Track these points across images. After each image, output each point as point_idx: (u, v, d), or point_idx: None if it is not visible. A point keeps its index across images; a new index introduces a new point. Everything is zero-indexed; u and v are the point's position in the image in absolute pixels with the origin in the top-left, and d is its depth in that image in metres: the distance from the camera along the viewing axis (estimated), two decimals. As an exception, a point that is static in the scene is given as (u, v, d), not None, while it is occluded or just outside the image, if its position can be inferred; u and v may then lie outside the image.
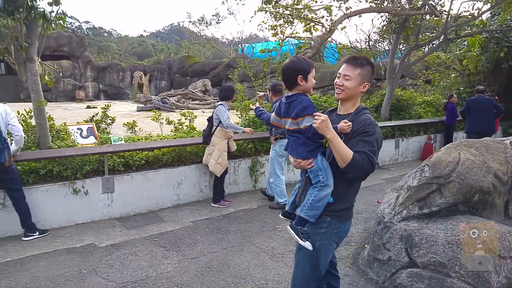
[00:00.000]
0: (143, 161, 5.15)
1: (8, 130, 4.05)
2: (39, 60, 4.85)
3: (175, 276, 3.41)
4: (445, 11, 7.91)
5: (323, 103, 7.27)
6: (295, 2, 7.00)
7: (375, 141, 1.99)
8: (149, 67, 30.15)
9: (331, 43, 20.21)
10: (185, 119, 7.15)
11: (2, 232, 4.23)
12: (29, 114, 5.20)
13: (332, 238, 2.13)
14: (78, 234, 4.38)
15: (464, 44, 10.96)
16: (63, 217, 4.58)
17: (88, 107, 18.36)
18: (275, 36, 7.39)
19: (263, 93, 5.53)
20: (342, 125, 2.02)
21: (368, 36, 19.17)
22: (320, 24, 7.09)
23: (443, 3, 7.96)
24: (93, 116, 6.25)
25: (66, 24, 5.25)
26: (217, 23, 42.35)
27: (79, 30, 44.21)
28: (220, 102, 5.16)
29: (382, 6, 7.70)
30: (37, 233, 4.23)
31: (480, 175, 3.21)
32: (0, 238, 4.20)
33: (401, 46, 11.51)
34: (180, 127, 6.60)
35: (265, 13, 7.17)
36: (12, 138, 4.20)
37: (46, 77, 4.97)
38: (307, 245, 2.07)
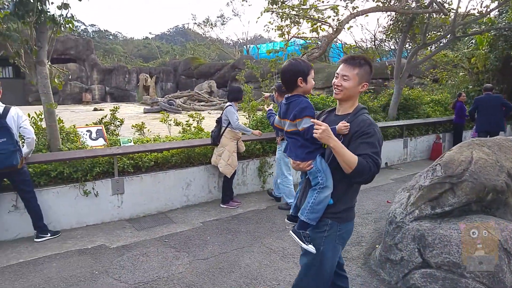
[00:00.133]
0: (152, 162, 5.18)
1: (20, 133, 4.09)
2: (49, 63, 4.90)
3: (186, 276, 3.42)
4: (453, 9, 7.86)
5: (331, 103, 7.25)
6: (302, 2, 6.99)
7: (377, 142, 1.97)
8: (155, 69, 30.30)
9: (337, 43, 20.14)
10: (193, 120, 7.17)
11: (15, 234, 4.27)
12: (40, 117, 5.25)
13: (336, 241, 2.11)
14: (88, 235, 4.41)
15: (472, 42, 10.88)
16: (74, 219, 4.62)
17: (95, 109, 18.48)
18: (282, 36, 7.38)
19: (268, 94, 5.53)
20: (340, 127, 2.01)
21: (374, 36, 19.09)
22: (327, 24, 7.07)
23: (451, 1, 7.86)
24: (102, 118, 6.29)
25: (74, 28, 5.29)
26: (222, 24, 42.46)
27: (85, 33, 44.57)
28: (229, 103, 5.17)
29: (389, 5, 7.66)
30: (49, 235, 4.26)
31: (493, 174, 3.17)
32: (13, 240, 4.24)
33: (407, 45, 11.45)
34: (188, 128, 6.61)
35: (272, 13, 7.17)
36: (24, 140, 4.24)
37: (55, 80, 5.01)
38: (311, 248, 2.06)
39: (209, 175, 5.61)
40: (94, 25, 51.87)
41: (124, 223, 4.81)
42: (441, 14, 7.93)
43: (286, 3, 7.07)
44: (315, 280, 2.15)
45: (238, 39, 40.61)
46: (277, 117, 2.30)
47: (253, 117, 6.97)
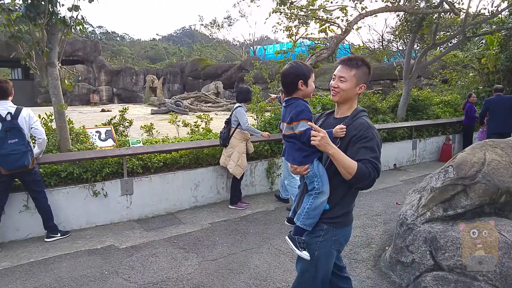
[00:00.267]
0: (161, 163, 5.19)
1: (31, 134, 4.13)
2: (59, 64, 4.94)
3: (195, 277, 3.42)
4: (463, 9, 7.78)
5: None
6: (310, 3, 6.98)
7: (376, 146, 1.92)
8: (162, 71, 30.50)
9: (344, 44, 20.09)
10: (201, 121, 7.19)
11: (26, 233, 4.31)
12: (50, 117, 5.30)
13: (331, 246, 2.08)
14: (98, 235, 4.43)
15: (482, 43, 10.77)
16: (83, 219, 4.64)
17: (103, 110, 18.65)
18: (290, 37, 7.37)
19: (275, 96, 5.52)
20: (336, 130, 1.98)
21: (382, 36, 18.98)
22: (335, 24, 7.05)
23: (461, 1, 7.78)
24: (111, 119, 6.33)
25: (84, 30, 5.34)
26: (229, 25, 42.59)
27: (92, 35, 45.00)
28: (238, 104, 5.17)
29: (399, 5, 7.61)
30: (59, 235, 4.30)
31: (507, 175, 3.13)
32: (24, 239, 4.28)
33: (416, 46, 11.36)
34: (196, 129, 6.63)
35: (280, 14, 7.16)
36: (35, 141, 4.28)
37: (66, 81, 5.06)
38: (305, 255, 2.04)
39: (218, 176, 5.61)
40: (102, 27, 52.40)
41: (133, 223, 4.83)
42: (451, 14, 7.86)
43: (294, 3, 7.05)
44: (310, 285, 2.13)
45: (245, 40, 40.73)
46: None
47: (261, 118, 6.96)
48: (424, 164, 8.54)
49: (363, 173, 1.83)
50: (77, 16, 4.85)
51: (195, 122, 6.90)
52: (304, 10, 6.95)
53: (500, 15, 8.18)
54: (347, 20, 6.98)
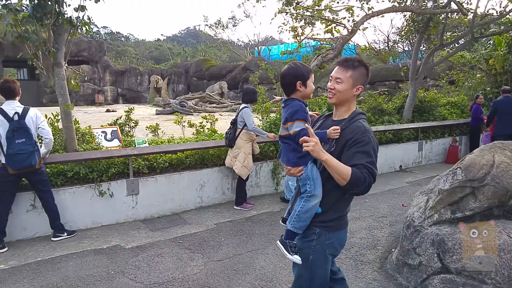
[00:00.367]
0: (167, 163, 5.20)
1: (38, 133, 4.15)
2: (66, 64, 4.96)
3: (201, 278, 3.41)
4: (471, 9, 7.71)
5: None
6: (316, 3, 6.95)
7: (372, 150, 1.87)
8: (166, 71, 30.57)
9: (349, 45, 20.02)
10: (207, 122, 7.19)
11: (33, 233, 4.33)
12: (56, 117, 5.32)
13: (326, 250, 2.03)
14: (104, 235, 4.44)
15: (489, 43, 10.68)
16: (89, 219, 4.66)
17: (108, 110, 18.72)
18: (296, 37, 7.35)
19: (280, 98, 5.51)
20: (330, 131, 1.96)
21: (387, 37, 18.90)
22: (341, 25, 7.02)
23: (470, 1, 7.71)
24: (117, 120, 6.35)
25: (91, 30, 5.36)
26: (234, 26, 42.63)
27: (97, 35, 45.24)
28: (244, 105, 5.16)
29: (406, 5, 7.55)
30: (65, 234, 4.31)
31: (516, 178, 3.09)
32: (31, 238, 4.31)
33: (421, 47, 11.30)
34: (202, 130, 6.63)
35: (286, 14, 7.15)
36: (41, 141, 4.30)
37: (72, 81, 5.08)
38: (296, 259, 2.02)
39: (223, 176, 5.61)
40: (107, 27, 52.64)
41: (138, 223, 4.84)
42: (459, 14, 7.80)
43: (300, 4, 7.03)
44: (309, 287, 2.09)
45: (249, 41, 40.75)
46: None
47: (266, 118, 6.95)
48: (430, 165, 8.48)
49: (358, 179, 1.79)
50: (83, 16, 4.88)
51: (200, 123, 6.90)
52: (310, 10, 6.93)
53: (508, 16, 8.10)
54: (353, 20, 6.96)
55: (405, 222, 3.53)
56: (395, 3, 7.50)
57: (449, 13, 8.09)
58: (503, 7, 7.83)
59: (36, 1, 4.37)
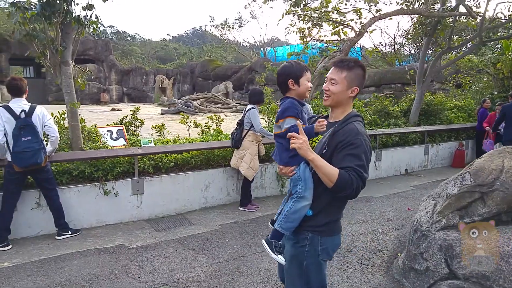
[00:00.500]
0: (172, 163, 5.19)
1: (44, 131, 4.15)
2: (73, 63, 4.97)
3: (205, 279, 3.39)
4: (480, 12, 7.64)
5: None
6: (324, 5, 6.93)
7: (363, 153, 1.80)
8: (172, 71, 30.64)
9: (355, 47, 19.97)
10: (212, 122, 7.18)
11: (37, 230, 4.33)
12: (62, 116, 5.33)
13: (319, 256, 1.96)
14: (108, 234, 4.44)
15: (497, 47, 10.59)
16: (93, 218, 4.65)
17: (113, 109, 18.77)
18: (303, 39, 7.33)
19: None
20: (316, 125, 1.91)
21: (394, 40, 18.82)
22: (349, 27, 6.98)
23: (479, 3, 7.67)
24: (123, 119, 6.35)
25: (98, 29, 5.37)
26: (240, 27, 42.65)
27: (103, 35, 45.41)
28: (251, 106, 5.14)
29: (414, 8, 7.50)
30: (70, 233, 4.31)
31: (526, 183, 3.04)
32: (35, 236, 4.31)
33: (428, 50, 11.23)
34: (207, 130, 6.62)
35: (293, 16, 7.12)
36: (47, 139, 4.31)
37: (79, 80, 5.09)
38: (280, 259, 1.98)
39: (228, 177, 5.59)
40: (113, 26, 52.86)
41: (143, 223, 4.83)
42: (467, 17, 7.73)
43: (308, 5, 7.01)
44: None
45: (255, 42, 40.75)
46: None
47: (272, 120, 6.93)
48: (436, 169, 8.42)
49: (345, 181, 1.74)
50: (91, 15, 4.88)
51: (206, 123, 6.89)
52: (318, 12, 6.90)
53: (517, 20, 8.03)
54: (361, 22, 6.92)
55: (412, 227, 3.49)
56: (403, 6, 7.45)
57: (457, 17, 8.02)
58: (511, 11, 7.76)
59: (44, 0, 4.37)
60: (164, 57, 43.74)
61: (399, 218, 5.07)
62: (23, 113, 3.94)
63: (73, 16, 4.74)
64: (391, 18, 7.37)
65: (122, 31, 53.55)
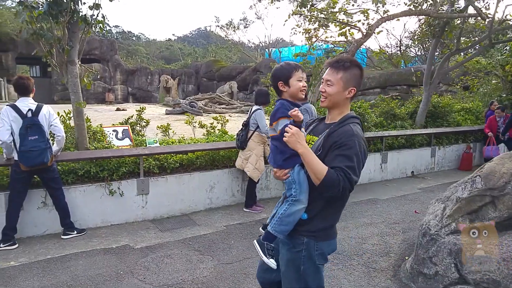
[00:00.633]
0: (178, 164, 5.17)
1: (50, 131, 4.15)
2: (79, 62, 4.97)
3: (211, 281, 3.37)
4: (489, 13, 7.56)
5: (357, 108, 7.11)
6: (331, 6, 6.88)
7: (355, 155, 1.75)
8: (177, 71, 30.67)
9: (360, 48, 19.90)
10: (217, 123, 7.16)
11: (43, 230, 4.33)
12: (68, 115, 5.33)
13: (316, 262, 1.93)
14: (113, 234, 4.43)
15: (506, 49, 10.50)
16: (99, 217, 4.64)
17: (118, 109, 18.79)
18: (309, 40, 7.29)
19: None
20: (291, 113, 1.82)
21: (400, 41, 18.71)
22: (356, 28, 6.93)
23: (488, 5, 7.56)
24: (128, 119, 6.34)
25: (105, 28, 5.36)
26: (245, 27, 42.61)
27: (109, 34, 45.56)
28: (257, 107, 5.11)
29: (422, 9, 7.43)
30: (75, 232, 4.30)
31: (538, 187, 2.99)
32: (41, 235, 4.31)
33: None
34: (212, 131, 6.60)
35: (299, 16, 7.08)
36: (53, 138, 4.30)
37: (85, 79, 5.08)
38: (271, 263, 1.95)
39: (233, 178, 5.57)
40: (118, 26, 52.98)
41: (148, 223, 4.81)
42: (476, 19, 7.65)
43: (315, 6, 6.97)
44: None
45: (260, 42, 40.72)
46: None
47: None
48: (442, 172, 8.34)
49: (332, 181, 1.69)
50: (97, 14, 4.88)
51: (211, 124, 6.87)
52: (325, 12, 6.86)
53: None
54: (368, 23, 6.86)
55: (421, 230, 3.45)
56: (411, 7, 7.38)
57: (467, 18, 7.94)
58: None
59: (51, -1, 4.38)
60: (169, 57, 43.82)
61: (406, 221, 5.02)
62: (29, 112, 3.94)
63: (80, 15, 4.74)
64: (398, 19, 7.31)
65: (128, 31, 53.74)
